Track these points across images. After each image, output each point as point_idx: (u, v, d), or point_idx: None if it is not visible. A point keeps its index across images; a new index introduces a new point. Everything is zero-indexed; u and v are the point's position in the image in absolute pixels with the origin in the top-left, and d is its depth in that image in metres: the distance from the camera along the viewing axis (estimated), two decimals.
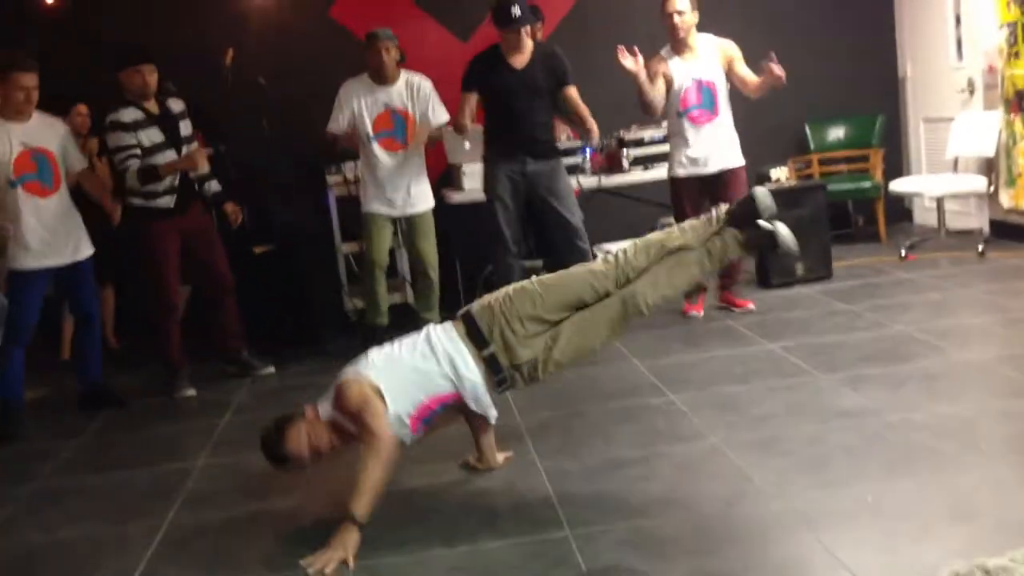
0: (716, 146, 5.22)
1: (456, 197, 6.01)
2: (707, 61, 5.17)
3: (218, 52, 6.05)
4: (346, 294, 6.22)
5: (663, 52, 5.24)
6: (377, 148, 5.23)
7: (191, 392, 4.97)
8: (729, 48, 5.22)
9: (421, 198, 5.35)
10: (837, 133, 7.28)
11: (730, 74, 5.21)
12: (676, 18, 5.09)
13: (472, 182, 5.87)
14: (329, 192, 6.28)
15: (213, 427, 4.38)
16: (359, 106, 5.21)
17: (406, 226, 5.42)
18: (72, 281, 4.70)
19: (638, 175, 6.06)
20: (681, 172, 5.30)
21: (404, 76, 5.27)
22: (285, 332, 5.67)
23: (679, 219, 5.42)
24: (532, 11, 5.21)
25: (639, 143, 6.13)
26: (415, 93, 5.25)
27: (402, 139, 5.24)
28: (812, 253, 5.85)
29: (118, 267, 5.83)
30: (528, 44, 5.14)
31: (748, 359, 4.50)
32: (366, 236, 5.33)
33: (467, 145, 5.68)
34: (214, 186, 5.15)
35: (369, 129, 5.20)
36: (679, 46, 5.18)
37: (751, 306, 5.40)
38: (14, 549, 3.28)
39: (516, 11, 4.97)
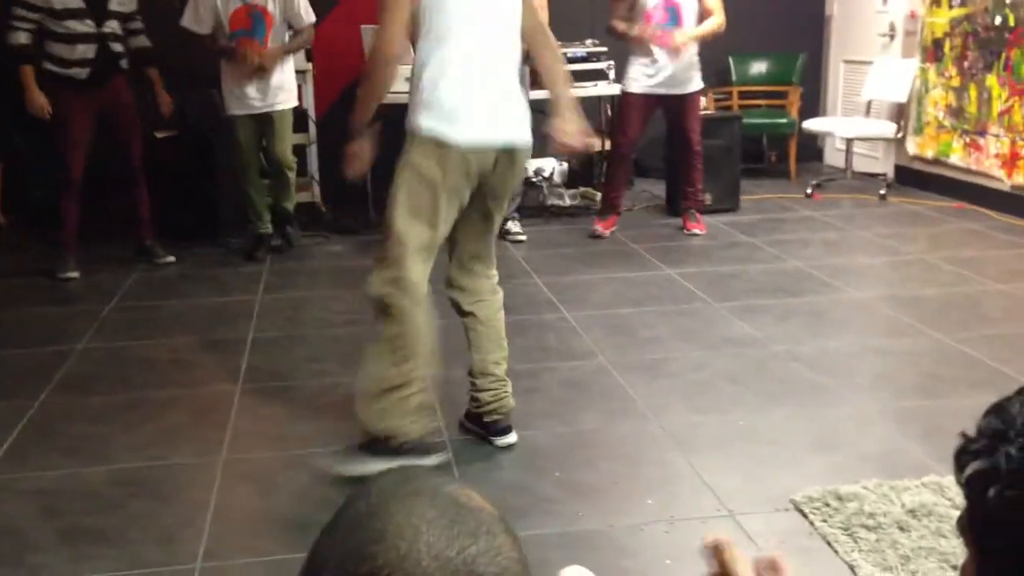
0: (678, 68, 5.17)
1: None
2: None
3: None
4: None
5: None
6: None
7: (74, 274, 4.78)
8: None
9: (282, 95, 5.01)
10: (759, 67, 7.29)
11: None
12: None
13: None
14: None
15: (98, 312, 4.26)
16: (216, 2, 4.79)
17: (266, 124, 5.04)
18: None
19: None
20: (635, 87, 5.25)
21: None
22: (186, 222, 5.51)
23: (617, 135, 5.40)
24: None
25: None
26: None
27: (261, 40, 4.85)
28: (721, 184, 5.91)
29: (8, 139, 5.56)
30: None
31: (646, 283, 4.55)
32: (232, 140, 5.09)
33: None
34: (142, 40, 4.88)
35: (226, 27, 4.83)
36: None
37: (699, 230, 5.43)
38: None
39: None
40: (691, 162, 5.42)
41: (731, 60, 7.27)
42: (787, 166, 7.02)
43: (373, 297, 2.70)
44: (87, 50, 4.57)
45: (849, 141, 6.54)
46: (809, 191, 6.33)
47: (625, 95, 5.33)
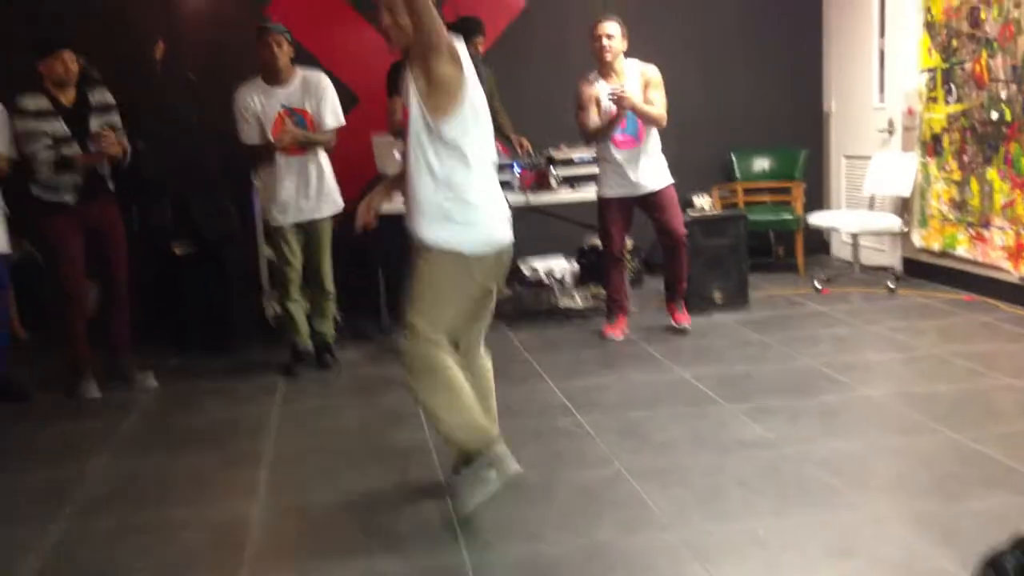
0: (642, 169, 5.34)
1: (384, 207, 5.97)
2: (631, 85, 5.25)
3: (149, 46, 5.97)
4: (267, 299, 6.16)
5: (591, 76, 5.34)
6: (277, 154, 4.88)
7: (95, 394, 4.81)
8: (648, 72, 5.31)
9: (326, 203, 5.03)
10: (762, 164, 7.44)
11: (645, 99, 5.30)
12: (604, 41, 5.18)
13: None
14: (254, 193, 6.21)
15: (114, 428, 4.30)
16: (259, 110, 4.86)
17: (306, 233, 5.04)
18: None
19: (566, 194, 6.10)
20: (609, 193, 5.41)
21: (300, 73, 4.93)
22: (202, 334, 5.60)
23: (604, 238, 5.52)
24: (475, 24, 5.23)
25: (568, 163, 6.18)
26: (313, 90, 4.90)
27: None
28: (730, 282, 5.98)
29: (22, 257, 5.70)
30: None
31: (658, 385, 4.58)
32: (275, 250, 5.09)
33: (397, 155, 5.67)
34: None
35: (268, 134, 4.86)
36: (605, 70, 5.28)
37: (686, 324, 5.50)
38: None
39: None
40: (676, 255, 5.49)
41: (734, 156, 7.44)
42: (795, 260, 7.10)
43: (412, 355, 3.06)
44: (76, 176, 4.65)
45: (856, 235, 6.62)
46: (818, 286, 6.38)
47: (601, 200, 5.48)
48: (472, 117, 3.02)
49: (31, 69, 4.63)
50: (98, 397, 4.82)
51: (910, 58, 6.44)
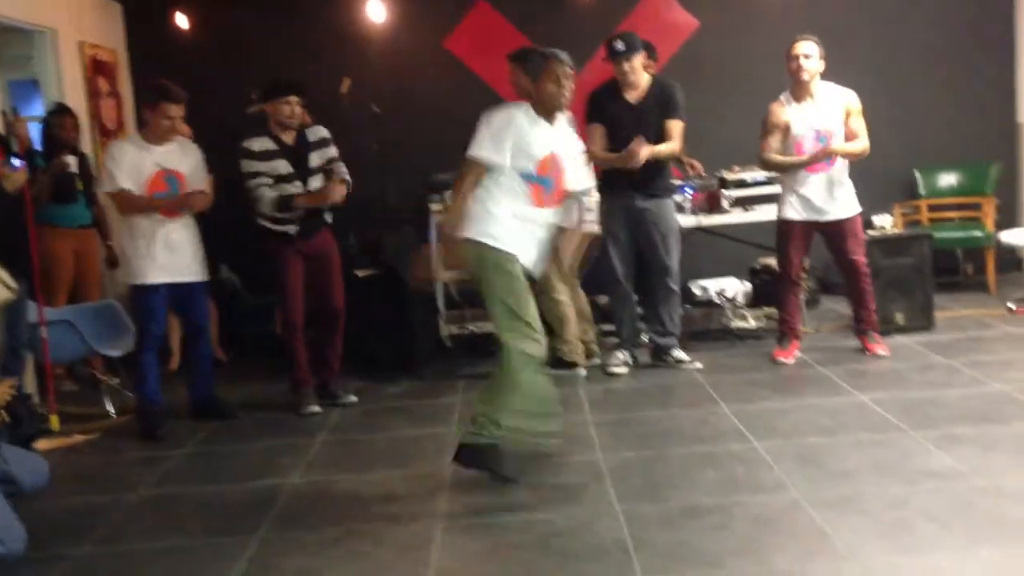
0: (829, 195, 5.22)
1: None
2: (827, 111, 5.16)
3: (336, 80, 6.32)
4: (443, 320, 6.37)
5: (782, 97, 5.26)
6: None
7: (316, 409, 5.10)
8: (850, 101, 5.19)
9: None
10: (949, 180, 7.12)
11: (844, 125, 5.21)
12: (802, 61, 5.09)
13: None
14: (431, 219, 6.45)
15: (309, 446, 4.57)
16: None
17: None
18: (188, 298, 4.99)
19: (737, 216, 6.05)
20: (791, 215, 5.30)
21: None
22: (384, 356, 5.85)
23: (781, 261, 5.42)
24: (644, 46, 5.25)
25: (741, 184, 6.11)
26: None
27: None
28: (913, 303, 5.76)
29: (218, 277, 6.13)
30: (642, 78, 5.21)
31: (837, 410, 4.46)
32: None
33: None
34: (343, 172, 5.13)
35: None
36: (800, 92, 5.18)
37: (880, 351, 5.33)
38: (115, 556, 3.49)
39: (619, 45, 5.11)
40: (859, 285, 5.34)
41: (917, 174, 7.15)
42: (985, 279, 6.75)
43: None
44: (300, 210, 4.99)
45: None
46: (1012, 306, 6.04)
47: (782, 222, 5.36)
48: None
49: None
50: (319, 412, 5.09)
51: None
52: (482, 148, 3.90)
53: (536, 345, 3.82)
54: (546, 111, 4.04)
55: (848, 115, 5.17)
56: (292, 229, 5.01)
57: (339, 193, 4.97)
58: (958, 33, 7.09)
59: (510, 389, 3.80)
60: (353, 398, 5.28)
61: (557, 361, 5.17)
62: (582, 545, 3.26)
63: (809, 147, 5.18)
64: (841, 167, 5.23)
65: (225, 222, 5.31)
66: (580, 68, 7.03)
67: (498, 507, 3.64)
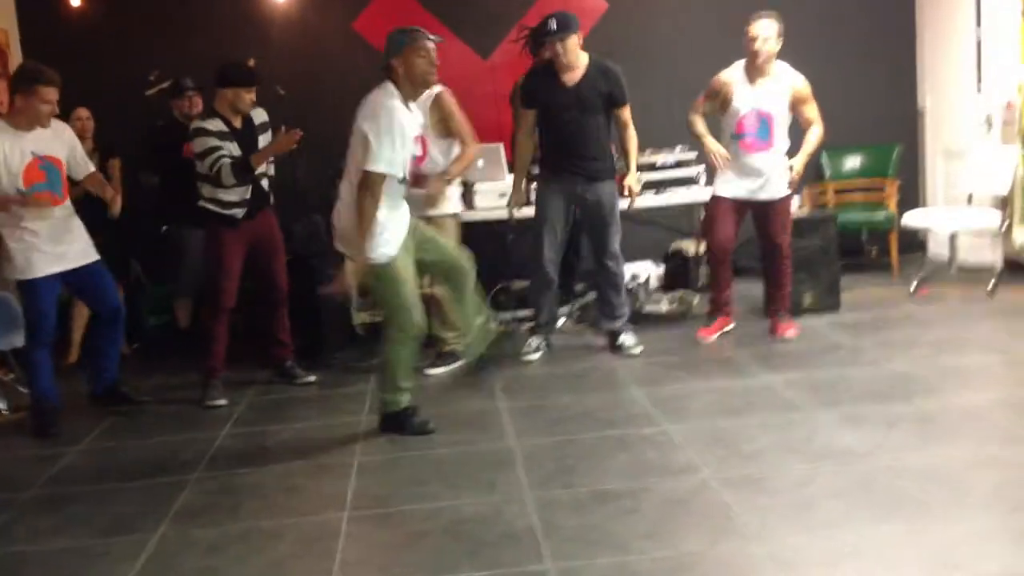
0: (764, 175, 5.25)
1: (468, 215, 6.02)
2: (775, 93, 5.17)
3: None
4: (353, 308, 6.25)
5: (736, 72, 5.22)
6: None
7: (222, 401, 4.96)
8: (801, 88, 5.21)
9: None
10: (854, 162, 7.25)
11: (795, 111, 5.24)
12: (759, 43, 5.09)
13: (485, 200, 5.89)
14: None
15: (212, 439, 4.43)
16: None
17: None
18: (91, 282, 4.79)
19: (649, 199, 6.04)
20: (726, 192, 5.31)
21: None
22: (293, 343, 5.70)
23: (709, 236, 5.43)
24: (571, 22, 5.08)
25: (651, 167, 6.11)
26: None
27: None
28: (820, 284, 5.85)
29: (126, 269, 5.92)
30: (578, 59, 5.08)
31: (747, 391, 4.50)
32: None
33: (480, 163, 5.69)
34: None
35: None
36: (753, 72, 5.17)
37: (791, 335, 5.37)
38: (2, 559, 3.33)
39: (552, 25, 4.99)
40: (779, 267, 5.40)
41: (825, 155, 7.26)
42: (888, 260, 6.90)
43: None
44: (244, 190, 4.92)
45: (953, 234, 6.41)
46: (913, 288, 6.19)
47: (714, 198, 5.37)
48: None
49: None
50: (224, 404, 4.95)
51: (1009, 50, 6.20)
52: (385, 162, 3.91)
53: (416, 329, 4.18)
54: (414, 90, 3.99)
55: (796, 100, 5.20)
56: (239, 212, 4.93)
57: (292, 140, 4.92)
58: (862, 19, 7.21)
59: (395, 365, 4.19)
60: (312, 377, 5.26)
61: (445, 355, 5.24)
62: (492, 532, 3.21)
63: (749, 126, 5.18)
64: (781, 146, 5.26)
65: (129, 208, 5.11)
66: (490, 51, 7.11)
67: (407, 497, 3.58)
